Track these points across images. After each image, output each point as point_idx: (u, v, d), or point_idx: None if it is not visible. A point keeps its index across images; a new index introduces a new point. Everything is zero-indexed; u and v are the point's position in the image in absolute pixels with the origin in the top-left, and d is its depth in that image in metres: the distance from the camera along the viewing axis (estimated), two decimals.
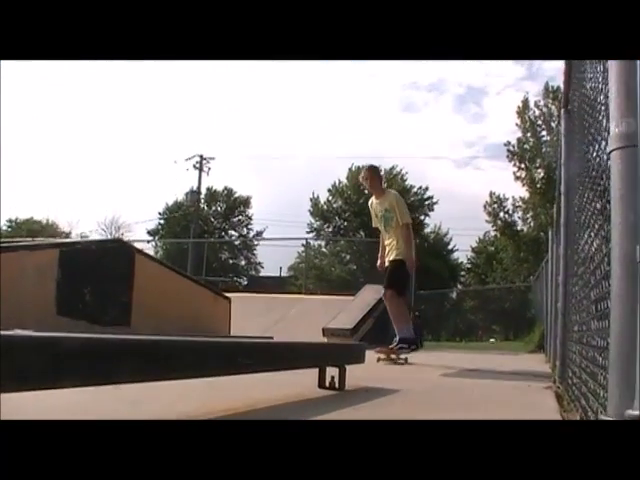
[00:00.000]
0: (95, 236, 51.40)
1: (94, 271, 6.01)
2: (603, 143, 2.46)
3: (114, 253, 6.47)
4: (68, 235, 52.81)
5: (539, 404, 4.05)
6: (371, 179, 8.48)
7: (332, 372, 4.12)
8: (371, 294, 15.13)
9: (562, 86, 5.66)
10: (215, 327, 7.91)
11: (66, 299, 5.59)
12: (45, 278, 5.46)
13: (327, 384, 4.09)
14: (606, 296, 2.33)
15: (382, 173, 9.53)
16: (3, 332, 1.76)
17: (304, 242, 35.43)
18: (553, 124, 40.95)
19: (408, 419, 2.91)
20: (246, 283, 47.34)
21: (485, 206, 44.57)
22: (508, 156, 42.88)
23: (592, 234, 2.98)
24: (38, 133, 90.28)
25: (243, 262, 54.78)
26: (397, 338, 8.00)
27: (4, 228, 59.31)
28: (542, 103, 42.25)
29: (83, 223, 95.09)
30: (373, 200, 8.51)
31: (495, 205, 44.33)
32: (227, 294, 10.70)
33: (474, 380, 5.96)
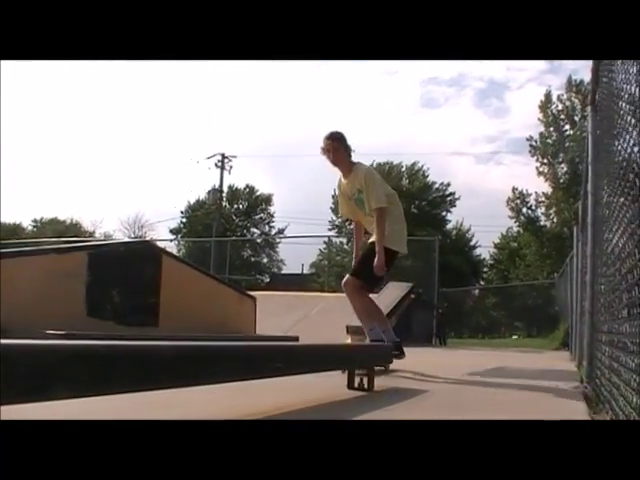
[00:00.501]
0: (118, 235, 51.77)
1: (122, 273, 6.07)
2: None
3: (141, 254, 6.53)
4: (92, 234, 53.14)
5: (567, 404, 4.04)
6: (335, 151, 6.14)
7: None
8: (394, 292, 15.09)
9: (586, 80, 5.63)
10: (241, 327, 7.94)
11: (95, 301, 5.65)
12: (75, 280, 5.51)
13: (356, 385, 4.11)
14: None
15: (349, 143, 6.27)
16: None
17: (326, 239, 35.49)
18: (576, 118, 40.69)
19: (440, 419, 2.91)
20: (268, 281, 47.45)
21: (508, 202, 44.39)
22: (530, 151, 42.70)
23: (624, 236, 2.96)
24: (63, 133, 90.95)
25: (265, 260, 54.89)
26: (367, 341, 6.19)
27: (29, 228, 59.92)
28: (565, 97, 41.96)
29: (107, 222, 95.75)
30: (341, 180, 6.40)
31: (518, 201, 44.13)
32: (250, 292, 10.74)
33: (500, 379, 5.94)
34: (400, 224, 6.35)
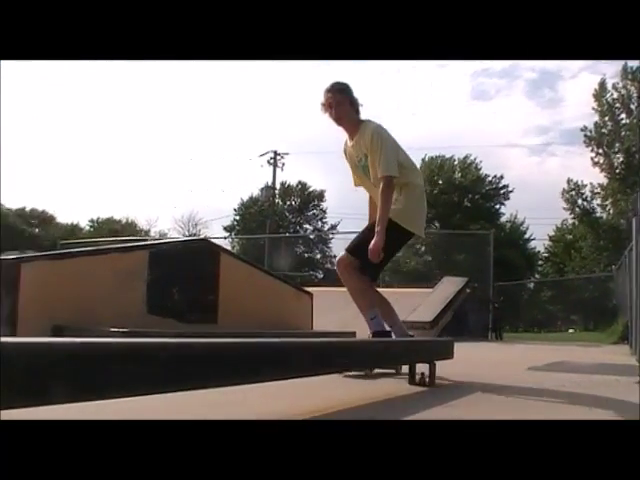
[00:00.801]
0: (173, 234, 52.49)
1: (181, 270, 6.14)
2: None
3: (200, 252, 6.59)
4: (147, 233, 53.95)
5: (630, 401, 3.99)
6: (338, 105, 4.94)
7: (422, 368, 4.15)
8: (450, 286, 15.06)
9: None
10: (298, 322, 7.96)
11: (156, 299, 5.73)
12: (136, 279, 5.60)
13: (417, 380, 4.11)
14: None
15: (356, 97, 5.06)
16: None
17: None
18: (632, 106, 39.86)
19: (502, 419, 2.90)
20: (322, 276, 47.49)
21: (562, 193, 43.71)
22: (585, 141, 41.84)
23: None
24: (117, 133, 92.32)
25: (318, 256, 54.97)
26: (369, 332, 5.04)
27: (86, 228, 61.08)
28: (620, 85, 40.96)
29: (161, 221, 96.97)
30: (347, 144, 5.22)
31: (573, 192, 43.40)
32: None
33: (560, 374, 5.88)
34: (419, 203, 5.20)
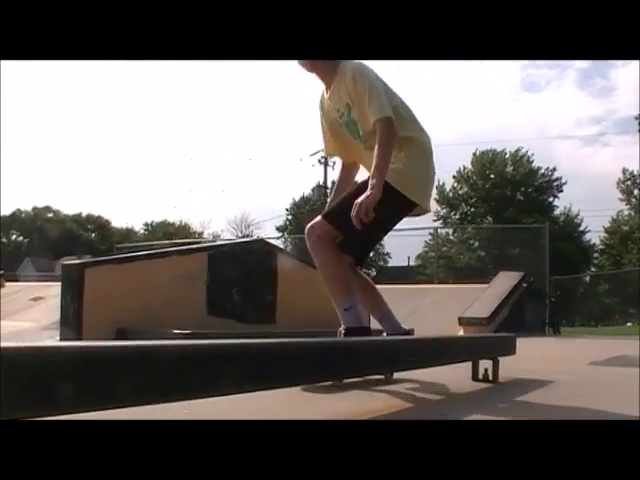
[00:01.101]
0: (226, 235, 53.05)
1: (240, 271, 6.21)
2: None
3: (257, 253, 6.66)
4: (201, 235, 54.57)
5: None
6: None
7: (485, 364, 4.12)
8: (506, 281, 14.92)
9: None
10: None
11: (215, 300, 5.81)
12: (196, 281, 5.68)
13: (480, 377, 4.09)
14: None
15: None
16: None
17: (431, 230, 35.26)
18: None
19: (567, 418, 2.88)
20: (375, 274, 47.47)
21: (618, 184, 43.04)
22: None
23: None
24: (170, 137, 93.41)
25: (371, 253, 54.78)
26: (342, 328, 3.93)
27: (141, 231, 62.10)
28: None
29: (214, 223, 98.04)
30: (323, 97, 4.05)
31: (629, 182, 42.77)
32: None
33: (623, 368, 5.78)
34: (424, 164, 3.98)
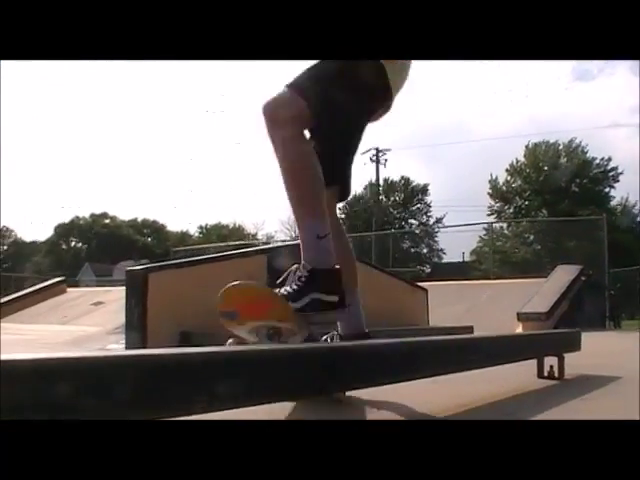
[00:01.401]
0: (280, 236, 53.30)
1: None
2: None
3: None
4: (254, 236, 54.95)
5: None
6: None
7: (550, 361, 4.08)
8: (564, 275, 14.73)
9: None
10: (415, 319, 7.98)
11: None
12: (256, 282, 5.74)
13: (546, 374, 4.06)
14: None
15: None
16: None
17: (485, 225, 34.99)
18: None
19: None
20: (429, 271, 47.23)
21: None
22: None
23: None
24: (224, 142, 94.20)
25: (425, 250, 54.67)
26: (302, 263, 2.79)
27: (196, 235, 62.84)
28: None
29: (268, 224, 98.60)
30: None
31: None
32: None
33: None
34: None
